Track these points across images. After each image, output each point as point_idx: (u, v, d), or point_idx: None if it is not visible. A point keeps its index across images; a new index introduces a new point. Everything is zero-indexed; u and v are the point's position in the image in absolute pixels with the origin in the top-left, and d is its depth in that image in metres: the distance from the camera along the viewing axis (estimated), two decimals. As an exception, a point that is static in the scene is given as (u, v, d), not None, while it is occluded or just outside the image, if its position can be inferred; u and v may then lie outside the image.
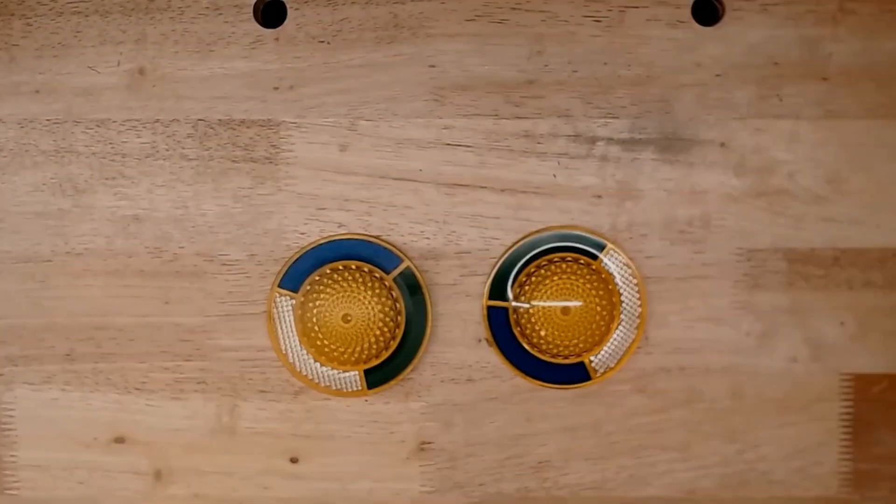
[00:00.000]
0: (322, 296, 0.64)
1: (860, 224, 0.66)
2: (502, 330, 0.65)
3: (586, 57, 0.65)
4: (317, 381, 0.65)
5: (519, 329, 0.65)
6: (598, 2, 0.64)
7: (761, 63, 0.65)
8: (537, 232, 0.65)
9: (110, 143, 0.65)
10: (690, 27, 0.65)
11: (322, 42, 0.64)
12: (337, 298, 0.64)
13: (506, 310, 0.65)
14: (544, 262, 0.65)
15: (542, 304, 0.65)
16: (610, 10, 0.64)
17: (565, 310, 0.64)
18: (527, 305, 0.65)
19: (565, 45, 0.65)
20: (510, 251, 0.65)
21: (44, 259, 0.65)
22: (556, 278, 0.64)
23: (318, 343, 0.64)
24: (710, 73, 0.65)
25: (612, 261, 0.65)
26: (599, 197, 0.66)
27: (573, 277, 0.64)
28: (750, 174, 0.65)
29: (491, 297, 0.65)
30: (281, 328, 0.65)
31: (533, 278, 0.65)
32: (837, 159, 0.65)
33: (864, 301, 0.66)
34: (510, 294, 0.65)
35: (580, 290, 0.65)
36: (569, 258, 0.64)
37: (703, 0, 0.65)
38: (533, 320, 0.65)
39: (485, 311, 0.65)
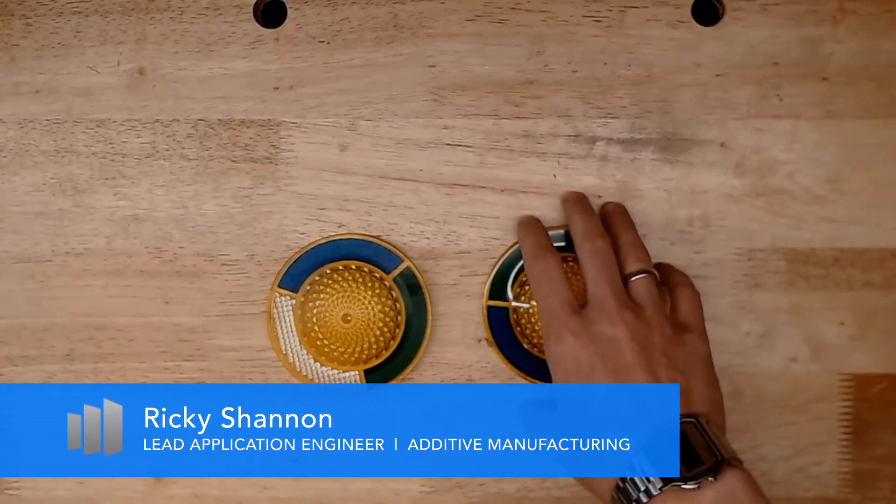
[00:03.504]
0: (322, 296, 0.64)
1: (860, 224, 0.65)
2: (502, 330, 0.65)
3: (586, 57, 0.65)
4: (317, 381, 0.65)
5: (519, 329, 0.65)
6: (598, 2, 0.64)
7: (761, 63, 0.65)
8: (537, 232, 0.65)
9: (110, 143, 0.65)
10: (690, 27, 0.65)
11: (322, 42, 0.64)
12: (337, 298, 0.64)
13: (506, 310, 0.65)
14: (544, 262, 0.65)
15: (542, 304, 0.64)
16: (610, 10, 0.64)
17: (565, 310, 0.64)
18: (527, 305, 0.65)
19: (565, 45, 0.65)
20: (510, 251, 0.65)
21: (44, 259, 0.65)
22: (556, 278, 0.64)
23: (318, 343, 0.64)
24: (710, 73, 0.65)
25: (612, 261, 0.64)
26: (599, 197, 0.65)
27: (574, 277, 0.64)
28: (750, 174, 0.65)
29: (491, 297, 0.65)
30: (281, 328, 0.65)
31: (533, 278, 0.65)
32: (837, 159, 0.65)
33: (864, 301, 0.66)
34: (510, 294, 0.65)
35: (581, 290, 0.64)
36: (569, 258, 0.64)
37: (703, 0, 0.65)
38: (533, 320, 0.65)
39: (485, 311, 0.65)
